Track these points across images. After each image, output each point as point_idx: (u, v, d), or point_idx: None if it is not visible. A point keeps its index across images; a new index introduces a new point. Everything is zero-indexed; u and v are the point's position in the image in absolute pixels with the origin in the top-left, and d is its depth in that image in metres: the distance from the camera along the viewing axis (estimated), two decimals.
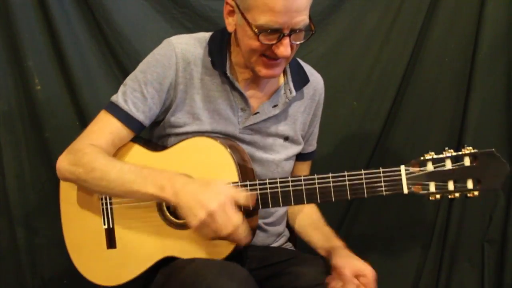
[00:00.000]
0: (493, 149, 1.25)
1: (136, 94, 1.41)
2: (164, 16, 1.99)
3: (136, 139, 1.46)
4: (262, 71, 1.39)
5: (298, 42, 1.37)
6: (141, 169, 1.33)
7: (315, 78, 1.59)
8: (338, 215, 2.14)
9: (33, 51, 1.98)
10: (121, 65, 2.00)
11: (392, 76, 2.04)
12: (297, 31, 1.32)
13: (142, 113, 1.41)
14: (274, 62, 1.37)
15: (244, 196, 1.29)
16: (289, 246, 1.66)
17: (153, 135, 1.53)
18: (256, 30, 1.31)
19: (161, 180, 1.29)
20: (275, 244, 1.60)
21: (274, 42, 1.32)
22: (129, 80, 1.44)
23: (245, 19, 1.32)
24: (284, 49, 1.33)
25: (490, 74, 2.00)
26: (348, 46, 2.05)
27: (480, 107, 2.01)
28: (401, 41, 2.02)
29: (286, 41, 1.32)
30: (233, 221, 1.25)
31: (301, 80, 1.52)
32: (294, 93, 1.49)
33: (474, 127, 2.02)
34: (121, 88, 1.44)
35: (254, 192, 1.32)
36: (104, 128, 1.41)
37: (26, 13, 1.95)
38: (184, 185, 1.27)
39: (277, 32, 1.31)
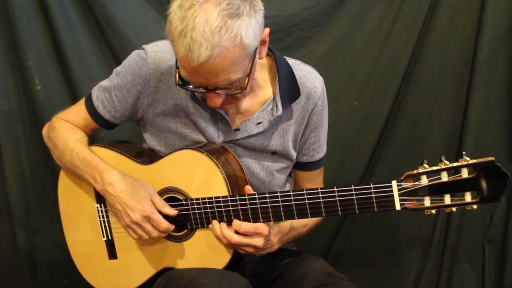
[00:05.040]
0: (493, 159, 1.13)
1: (105, 94, 1.46)
2: (164, 16, 1.96)
3: (127, 151, 1.47)
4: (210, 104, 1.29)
5: (230, 94, 1.24)
6: (86, 156, 1.40)
7: (310, 85, 1.43)
8: None
9: (33, 51, 1.98)
10: None
11: (392, 76, 2.04)
12: (222, 87, 1.20)
13: (108, 112, 1.46)
14: None
15: (166, 207, 1.34)
16: (291, 246, 1.65)
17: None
18: (179, 79, 1.23)
19: (94, 172, 1.36)
20: None
21: (200, 91, 1.24)
22: (108, 78, 1.47)
23: (176, 63, 1.24)
24: (211, 101, 1.24)
25: (491, 74, 1.99)
26: (349, 46, 2.04)
27: (480, 107, 2.00)
28: (401, 41, 2.01)
29: (211, 95, 1.22)
30: (160, 229, 1.33)
31: (290, 95, 1.38)
32: (280, 111, 1.37)
33: (475, 127, 2.01)
34: (101, 82, 1.49)
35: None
36: (79, 112, 1.51)
37: (26, 13, 1.95)
38: (111, 184, 1.33)
39: (200, 87, 1.22)
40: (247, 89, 1.24)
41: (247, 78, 1.22)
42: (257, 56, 1.25)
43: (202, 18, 1.11)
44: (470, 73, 2.00)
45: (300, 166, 1.55)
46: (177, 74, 1.24)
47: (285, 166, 1.50)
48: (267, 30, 1.24)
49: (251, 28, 1.15)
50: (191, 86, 1.24)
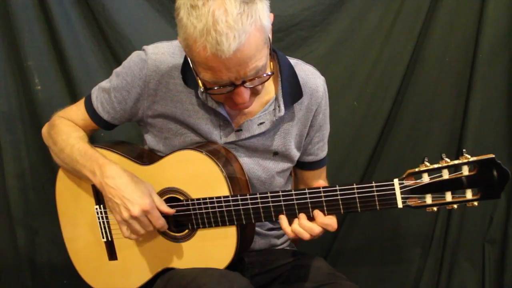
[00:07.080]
0: (494, 156, 1.14)
1: (105, 95, 1.46)
2: (164, 16, 1.99)
3: (126, 152, 1.47)
4: (232, 107, 1.31)
5: (256, 85, 1.24)
6: (87, 151, 1.39)
7: (312, 85, 1.44)
8: None
9: (33, 51, 1.98)
10: None
11: (392, 76, 2.04)
12: (251, 77, 1.20)
13: (107, 114, 1.46)
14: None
15: (164, 205, 1.34)
16: (291, 246, 1.65)
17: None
18: (202, 86, 1.23)
19: (94, 166, 1.35)
20: (279, 247, 1.59)
21: (226, 91, 1.23)
22: (108, 79, 1.47)
23: (194, 70, 1.24)
24: (239, 97, 1.23)
25: (491, 73, 1.99)
26: (349, 46, 2.04)
27: (480, 107, 2.00)
28: (401, 41, 2.01)
29: (240, 90, 1.21)
30: (156, 225, 1.32)
31: (293, 95, 1.39)
32: (283, 112, 1.37)
33: (475, 127, 2.01)
34: (101, 83, 1.49)
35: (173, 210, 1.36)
36: (78, 112, 1.51)
37: (26, 13, 1.94)
38: (112, 177, 1.32)
39: (228, 85, 1.21)
40: (274, 73, 1.25)
41: (271, 63, 1.24)
42: (270, 41, 1.24)
43: (220, 10, 1.10)
44: (470, 73, 2.00)
45: (306, 166, 1.56)
46: (199, 81, 1.24)
47: (286, 168, 1.49)
48: (272, 15, 1.24)
49: (265, 11, 1.18)
50: (216, 88, 1.22)
